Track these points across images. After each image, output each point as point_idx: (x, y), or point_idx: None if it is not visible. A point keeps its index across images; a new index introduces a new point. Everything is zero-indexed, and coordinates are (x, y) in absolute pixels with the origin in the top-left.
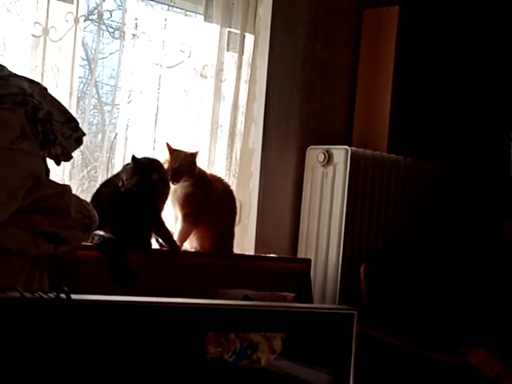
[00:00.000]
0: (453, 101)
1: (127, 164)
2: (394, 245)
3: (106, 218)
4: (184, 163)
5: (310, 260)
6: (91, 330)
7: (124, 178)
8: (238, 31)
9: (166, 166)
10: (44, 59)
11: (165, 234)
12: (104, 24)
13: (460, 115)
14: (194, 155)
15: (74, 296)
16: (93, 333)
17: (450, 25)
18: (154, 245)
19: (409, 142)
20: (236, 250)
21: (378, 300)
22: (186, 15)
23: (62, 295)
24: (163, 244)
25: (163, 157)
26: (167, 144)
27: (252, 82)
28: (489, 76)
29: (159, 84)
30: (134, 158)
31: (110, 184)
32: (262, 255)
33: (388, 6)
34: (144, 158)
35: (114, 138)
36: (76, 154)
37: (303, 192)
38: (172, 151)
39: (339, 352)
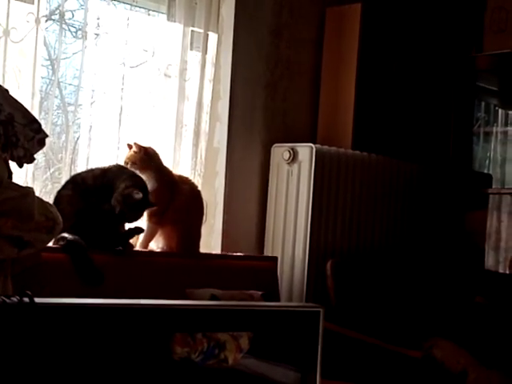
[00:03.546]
0: (416, 97)
1: (119, 167)
2: (360, 241)
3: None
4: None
5: (276, 258)
6: (55, 333)
7: (126, 187)
8: (201, 30)
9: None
10: (5, 60)
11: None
12: (66, 24)
13: (423, 111)
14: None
15: (37, 299)
16: (57, 337)
17: (412, 21)
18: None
19: (373, 139)
20: (202, 250)
21: (345, 296)
22: (148, 15)
23: (26, 299)
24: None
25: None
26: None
27: (216, 80)
28: (451, 72)
29: (123, 84)
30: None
31: (68, 184)
32: (229, 254)
33: (350, 3)
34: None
35: (78, 138)
36: (39, 155)
37: (269, 190)
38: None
39: (306, 349)
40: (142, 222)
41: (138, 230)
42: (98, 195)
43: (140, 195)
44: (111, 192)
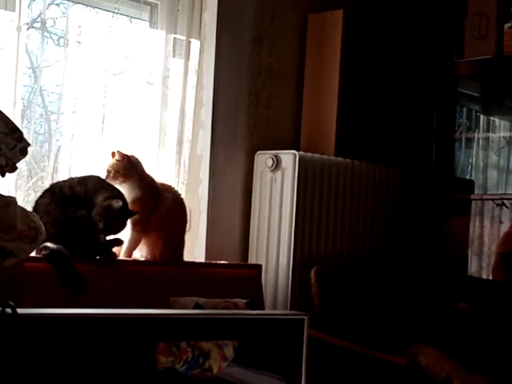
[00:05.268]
0: (398, 103)
1: (97, 178)
2: (344, 248)
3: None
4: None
5: (260, 266)
6: (38, 344)
7: (104, 199)
8: (183, 37)
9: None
10: None
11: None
12: (48, 32)
13: (405, 117)
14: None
15: (20, 310)
16: (40, 347)
17: (394, 28)
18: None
19: (356, 145)
20: (186, 258)
21: (330, 304)
22: (130, 22)
23: (8, 309)
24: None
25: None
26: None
27: (199, 88)
28: (432, 78)
29: (105, 91)
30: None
31: (46, 193)
32: (213, 262)
33: (332, 10)
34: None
35: (60, 146)
36: (21, 164)
37: (252, 197)
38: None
39: (291, 357)
40: (125, 232)
41: (118, 242)
42: (75, 204)
43: (120, 203)
44: (89, 202)
